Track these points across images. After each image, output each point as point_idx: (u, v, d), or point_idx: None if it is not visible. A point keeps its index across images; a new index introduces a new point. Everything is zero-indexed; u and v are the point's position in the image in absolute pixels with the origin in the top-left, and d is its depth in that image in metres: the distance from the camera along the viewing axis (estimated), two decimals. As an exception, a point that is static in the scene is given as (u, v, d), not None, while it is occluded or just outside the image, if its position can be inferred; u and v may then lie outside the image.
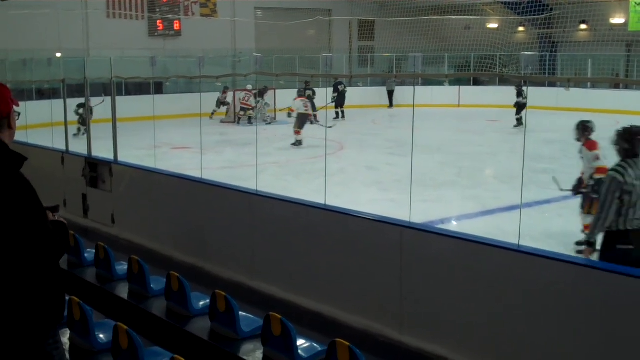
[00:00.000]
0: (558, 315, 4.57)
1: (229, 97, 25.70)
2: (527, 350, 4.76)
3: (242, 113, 23.78)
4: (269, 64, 26.48)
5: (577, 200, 8.76)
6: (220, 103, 25.89)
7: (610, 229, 5.81)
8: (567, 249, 8.18)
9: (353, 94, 27.21)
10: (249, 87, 23.73)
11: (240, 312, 5.06)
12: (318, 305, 6.13)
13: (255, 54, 23.84)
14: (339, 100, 25.57)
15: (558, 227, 9.68)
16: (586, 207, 8.48)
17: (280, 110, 24.42)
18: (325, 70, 28.06)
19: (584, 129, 8.63)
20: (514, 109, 22.53)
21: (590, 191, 8.22)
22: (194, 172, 8.55)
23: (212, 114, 25.51)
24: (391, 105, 29.89)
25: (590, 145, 8.53)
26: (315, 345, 4.72)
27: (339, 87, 25.62)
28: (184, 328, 5.34)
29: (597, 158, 8.31)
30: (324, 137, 8.85)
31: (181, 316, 5.52)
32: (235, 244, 7.20)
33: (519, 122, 22.43)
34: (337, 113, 25.27)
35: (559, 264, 4.61)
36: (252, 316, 5.21)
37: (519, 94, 22.55)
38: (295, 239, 6.58)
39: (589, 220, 7.49)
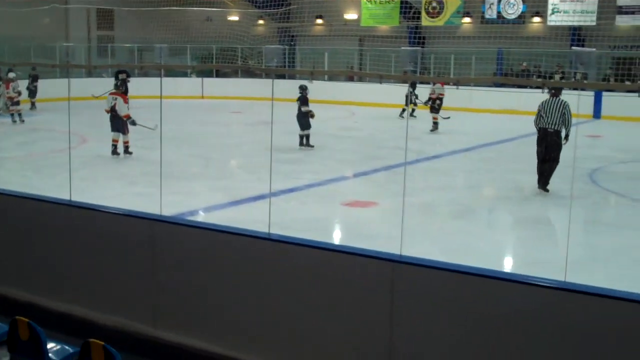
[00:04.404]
0: (313, 301, 4.80)
1: None
2: (285, 335, 4.96)
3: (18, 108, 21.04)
4: (1, 52, 24.91)
5: (324, 188, 9.16)
6: None
7: None
8: (314, 235, 8.59)
9: (98, 84, 26.09)
10: (12, 75, 21.28)
11: (-19, 319, 4.76)
12: (67, 306, 5.92)
13: (-16, 42, 22.04)
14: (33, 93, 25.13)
15: (304, 214, 10.12)
16: None
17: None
18: (64, 60, 26.83)
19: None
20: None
21: None
22: None
23: None
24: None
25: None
26: (66, 347, 4.56)
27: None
28: None
29: None
30: (67, 130, 8.52)
31: None
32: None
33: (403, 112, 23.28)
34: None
35: (307, 250, 4.84)
36: (-5, 322, 4.91)
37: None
38: (38, 238, 6.28)
39: None
